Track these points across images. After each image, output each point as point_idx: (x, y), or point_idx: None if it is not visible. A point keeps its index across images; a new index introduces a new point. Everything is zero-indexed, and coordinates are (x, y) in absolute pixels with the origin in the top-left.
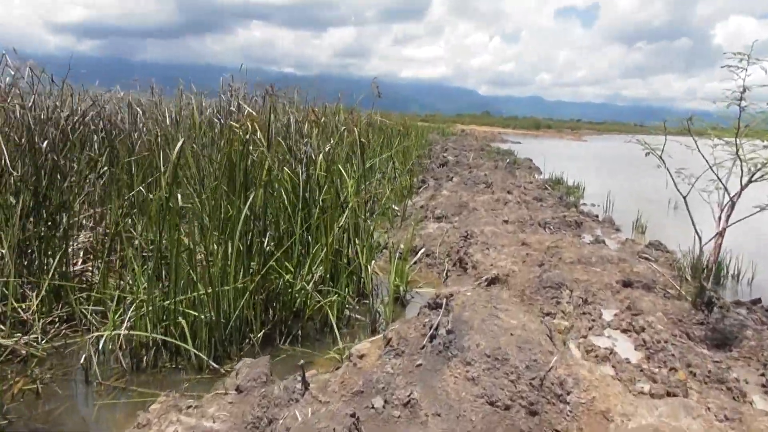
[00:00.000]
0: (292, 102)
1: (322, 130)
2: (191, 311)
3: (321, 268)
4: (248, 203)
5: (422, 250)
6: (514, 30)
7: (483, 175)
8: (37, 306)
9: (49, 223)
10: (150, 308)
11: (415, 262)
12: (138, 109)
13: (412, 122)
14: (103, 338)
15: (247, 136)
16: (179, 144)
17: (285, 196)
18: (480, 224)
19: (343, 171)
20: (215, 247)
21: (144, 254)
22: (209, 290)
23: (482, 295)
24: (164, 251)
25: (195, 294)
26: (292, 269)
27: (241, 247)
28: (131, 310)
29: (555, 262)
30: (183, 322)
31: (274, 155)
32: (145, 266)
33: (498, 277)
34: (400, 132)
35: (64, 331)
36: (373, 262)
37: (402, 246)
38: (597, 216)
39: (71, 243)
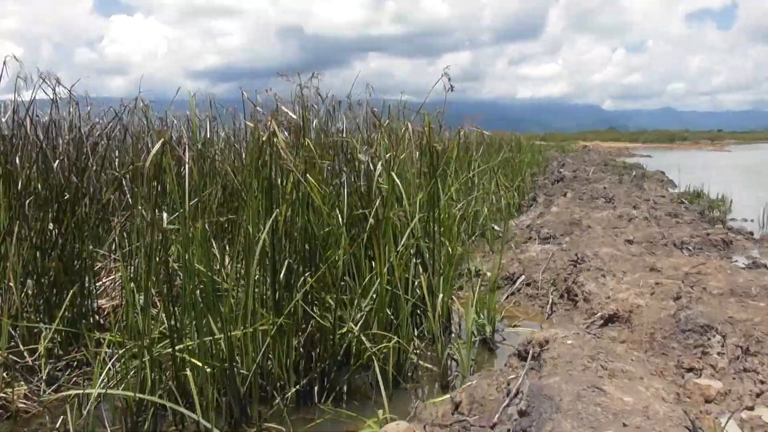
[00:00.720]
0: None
1: (388, 136)
2: (197, 361)
3: (375, 302)
4: (271, 221)
5: (521, 278)
6: (639, 40)
7: (602, 189)
8: (45, 349)
9: (66, 254)
10: (146, 359)
11: (512, 293)
12: (174, 119)
13: (529, 140)
14: (92, 397)
15: (264, 138)
16: (158, 144)
17: (339, 214)
18: (594, 245)
19: (397, 180)
20: (231, 276)
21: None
22: (220, 335)
23: (587, 346)
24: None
25: (203, 340)
26: (334, 305)
27: (266, 278)
28: (114, 360)
29: (697, 295)
30: (189, 375)
31: (302, 161)
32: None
33: (617, 314)
34: (509, 146)
35: (75, 378)
36: (450, 295)
37: (489, 274)
38: (751, 233)
39: (103, 276)
